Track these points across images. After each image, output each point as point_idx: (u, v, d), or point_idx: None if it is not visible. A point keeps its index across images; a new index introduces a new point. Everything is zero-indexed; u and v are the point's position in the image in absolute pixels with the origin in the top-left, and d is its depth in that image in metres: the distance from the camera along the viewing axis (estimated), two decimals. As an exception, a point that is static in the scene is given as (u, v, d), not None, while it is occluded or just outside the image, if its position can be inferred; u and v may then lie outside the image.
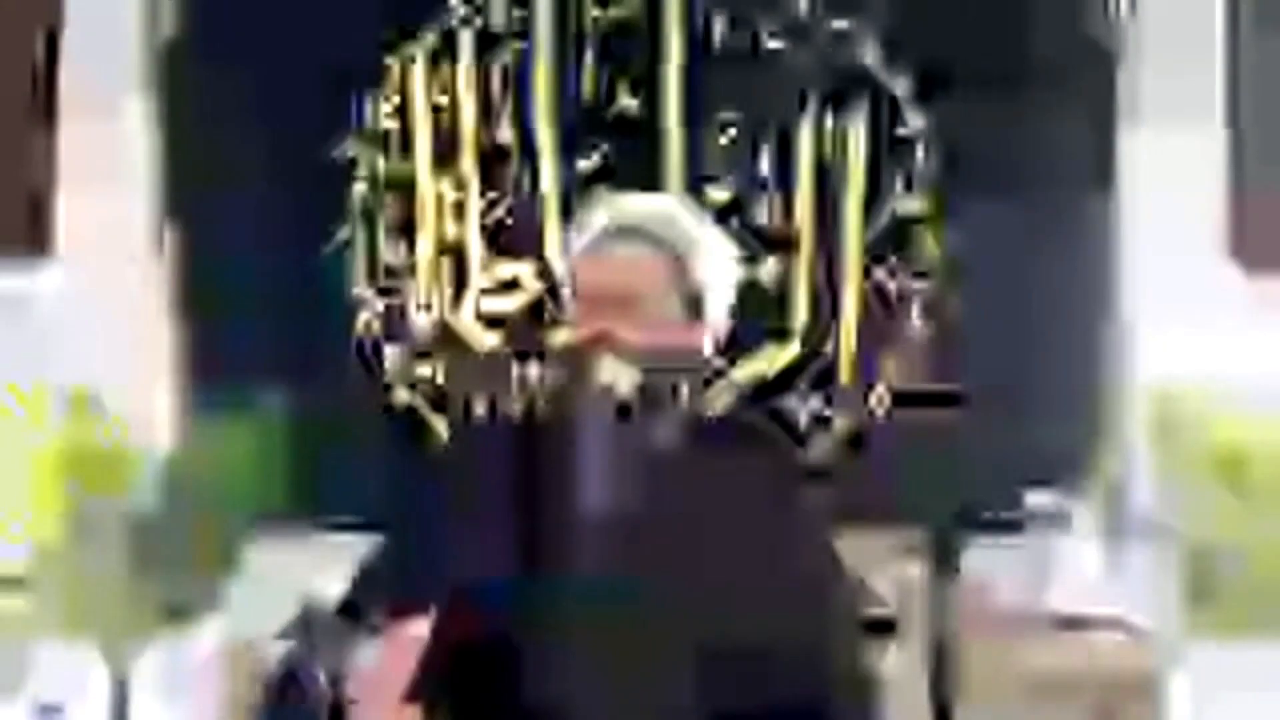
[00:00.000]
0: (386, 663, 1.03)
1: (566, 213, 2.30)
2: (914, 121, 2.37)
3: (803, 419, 2.38)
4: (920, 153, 2.37)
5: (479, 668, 1.13)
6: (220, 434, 2.29)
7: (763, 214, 2.38)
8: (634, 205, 1.33)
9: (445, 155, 2.41)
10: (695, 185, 2.38)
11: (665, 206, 1.35)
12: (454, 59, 2.41)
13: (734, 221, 2.38)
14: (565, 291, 1.28)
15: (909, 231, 2.38)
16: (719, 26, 2.38)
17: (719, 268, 1.31)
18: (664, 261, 1.25)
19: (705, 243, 1.31)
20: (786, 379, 2.38)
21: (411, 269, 2.42)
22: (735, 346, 2.37)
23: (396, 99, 2.41)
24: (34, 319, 2.43)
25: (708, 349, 1.32)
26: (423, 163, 2.42)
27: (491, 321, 2.41)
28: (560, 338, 1.26)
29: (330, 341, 2.41)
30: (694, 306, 1.28)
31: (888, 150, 2.37)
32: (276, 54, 2.38)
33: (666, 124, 2.38)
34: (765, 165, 2.38)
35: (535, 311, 2.38)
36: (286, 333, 2.37)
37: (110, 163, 2.42)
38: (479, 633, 1.10)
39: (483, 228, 2.41)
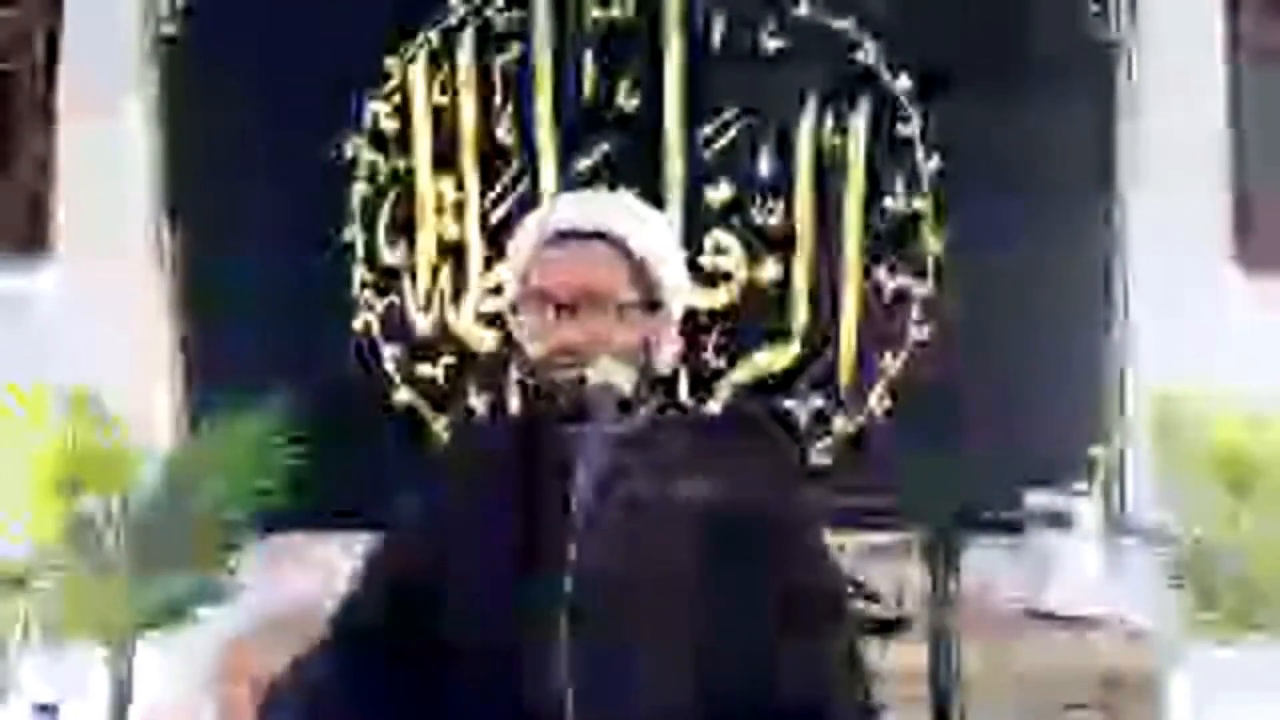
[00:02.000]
0: None
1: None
2: (914, 121, 2.37)
3: (803, 419, 2.38)
4: (920, 153, 2.37)
5: None
6: (220, 434, 2.29)
7: (763, 214, 2.38)
8: (592, 205, 1.31)
9: (445, 155, 2.41)
10: (695, 185, 2.38)
11: (620, 207, 1.32)
12: (454, 59, 2.41)
13: (734, 221, 2.38)
14: (524, 288, 1.24)
15: (909, 231, 2.38)
16: (719, 26, 2.38)
17: (675, 268, 1.29)
18: (623, 260, 1.24)
19: (661, 243, 1.28)
20: (786, 379, 2.38)
21: (411, 269, 2.42)
22: (735, 346, 2.38)
23: (396, 99, 2.41)
24: (34, 319, 2.43)
25: (674, 349, 1.30)
26: (423, 163, 2.42)
27: (491, 321, 2.41)
28: (532, 347, 1.22)
29: (330, 341, 2.41)
30: (653, 306, 1.26)
31: (888, 150, 2.37)
32: (276, 54, 2.38)
33: (666, 124, 2.38)
34: (765, 165, 2.38)
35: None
36: (286, 333, 2.37)
37: (110, 163, 2.42)
38: None
39: (483, 228, 2.41)
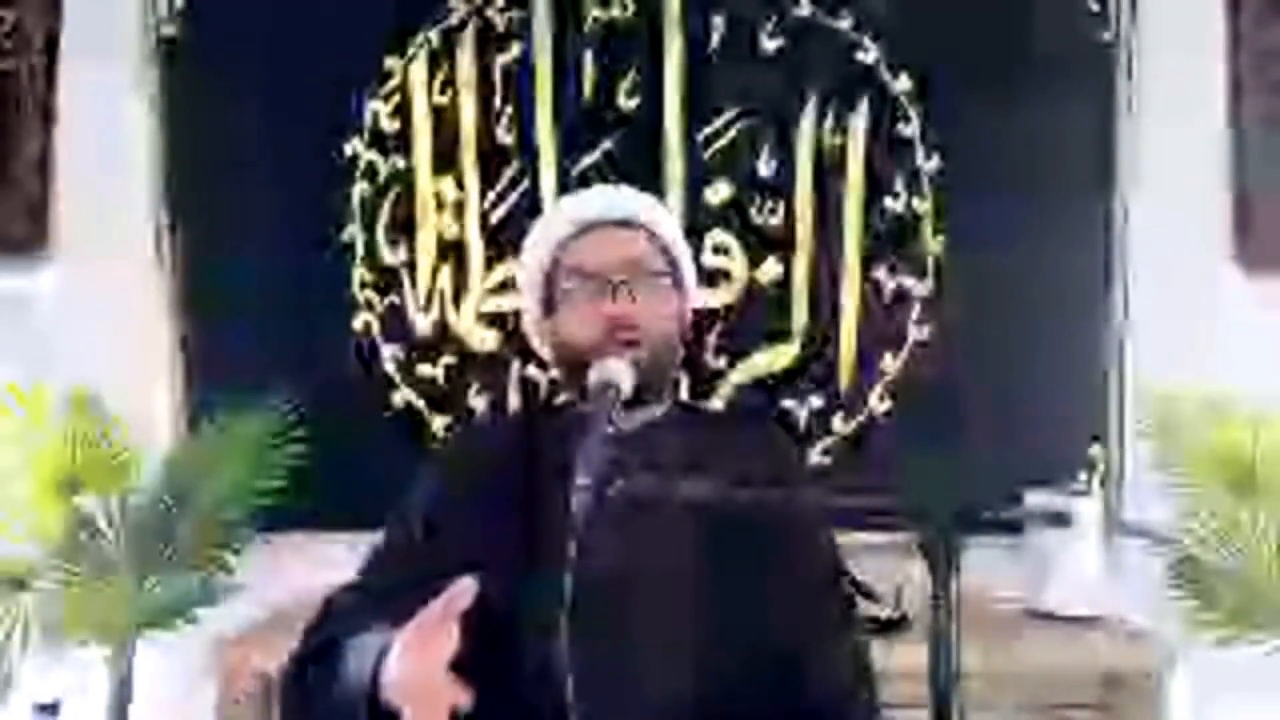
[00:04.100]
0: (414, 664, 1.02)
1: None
2: (914, 121, 2.37)
3: (803, 419, 2.38)
4: (920, 153, 2.37)
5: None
6: (220, 434, 2.29)
7: (763, 214, 2.38)
8: (613, 197, 1.35)
9: (445, 155, 2.41)
10: (695, 185, 2.38)
11: (636, 197, 1.37)
12: (454, 59, 2.41)
13: (734, 221, 2.38)
14: (564, 274, 1.28)
15: (909, 231, 2.38)
16: (719, 26, 2.38)
17: (688, 255, 1.35)
18: (650, 239, 1.30)
19: (677, 229, 1.35)
20: (786, 379, 2.38)
21: (411, 269, 2.42)
22: (735, 346, 2.38)
23: (396, 99, 2.41)
24: (34, 319, 2.43)
25: (690, 314, 1.36)
26: (423, 163, 2.42)
27: (492, 321, 2.41)
28: (583, 331, 1.26)
29: (330, 341, 2.41)
30: (675, 277, 1.32)
31: (888, 150, 2.37)
32: (276, 54, 2.38)
33: (666, 124, 2.38)
34: (765, 165, 2.38)
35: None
36: (286, 333, 2.38)
37: (110, 163, 2.42)
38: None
39: (483, 228, 2.41)
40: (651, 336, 1.23)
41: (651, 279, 1.26)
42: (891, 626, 2.01)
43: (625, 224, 1.30)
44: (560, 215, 1.32)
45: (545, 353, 1.36)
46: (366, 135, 2.41)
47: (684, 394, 2.35)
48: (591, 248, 1.27)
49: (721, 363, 2.38)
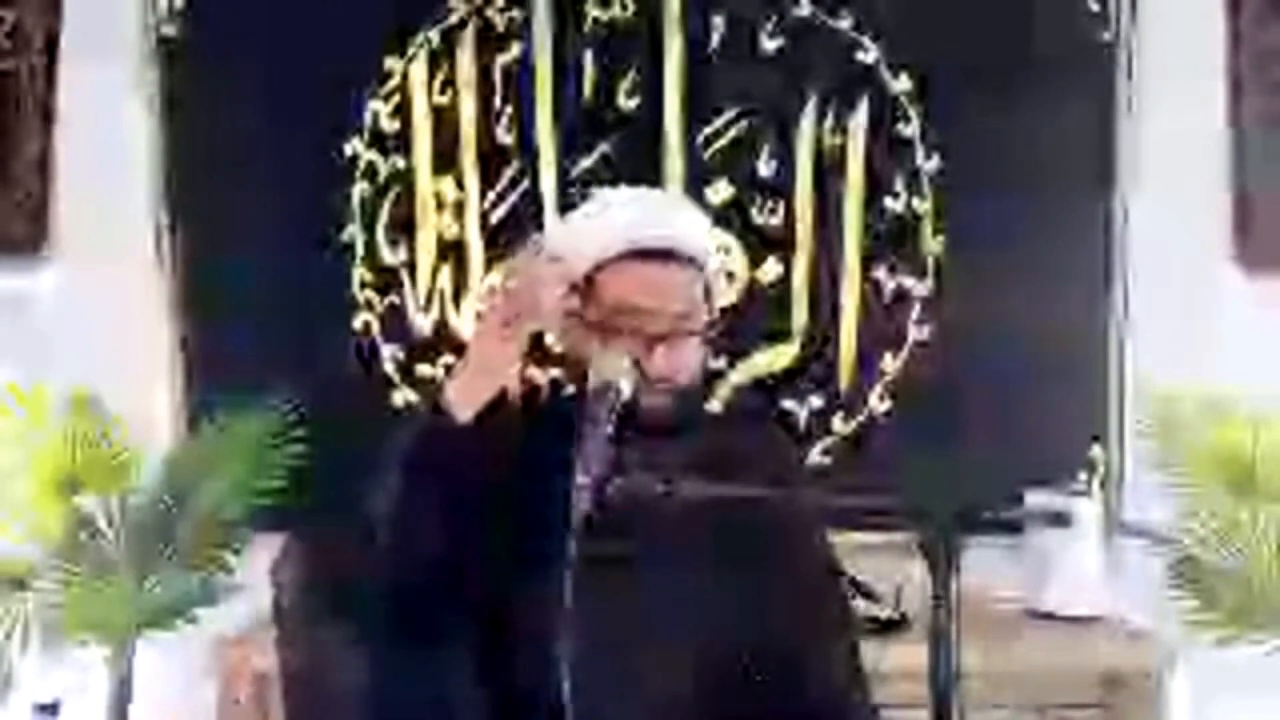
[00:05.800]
0: None
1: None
2: (914, 121, 2.37)
3: (803, 419, 2.38)
4: (920, 153, 2.37)
5: None
6: (220, 434, 2.29)
7: (763, 214, 2.38)
8: (677, 221, 1.27)
9: (445, 155, 2.41)
10: (695, 185, 2.38)
11: (694, 220, 1.31)
12: (454, 59, 2.41)
13: (734, 221, 2.38)
14: (610, 301, 1.22)
15: (909, 231, 2.38)
16: (719, 26, 2.38)
17: (720, 271, 1.31)
18: (700, 285, 1.25)
19: (714, 252, 1.30)
20: (786, 379, 2.38)
21: (411, 269, 2.42)
22: (735, 346, 2.38)
23: (396, 99, 2.41)
24: (34, 319, 2.43)
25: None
26: (423, 163, 2.42)
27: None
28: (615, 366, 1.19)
29: (330, 341, 2.41)
30: (710, 302, 1.29)
31: (888, 150, 2.37)
32: (276, 54, 2.38)
33: (666, 124, 2.38)
34: (765, 165, 2.38)
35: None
36: (286, 333, 2.37)
37: (110, 163, 2.42)
38: None
39: (483, 228, 2.41)
40: (684, 380, 1.23)
41: (689, 324, 1.23)
42: (891, 626, 2.01)
43: (669, 254, 1.22)
44: (601, 227, 1.24)
45: (555, 332, 1.31)
46: (366, 135, 2.41)
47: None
48: (637, 287, 1.21)
49: (721, 363, 2.38)
